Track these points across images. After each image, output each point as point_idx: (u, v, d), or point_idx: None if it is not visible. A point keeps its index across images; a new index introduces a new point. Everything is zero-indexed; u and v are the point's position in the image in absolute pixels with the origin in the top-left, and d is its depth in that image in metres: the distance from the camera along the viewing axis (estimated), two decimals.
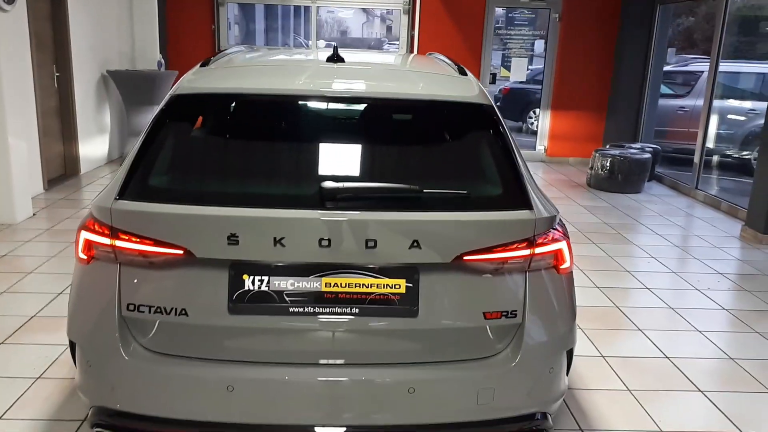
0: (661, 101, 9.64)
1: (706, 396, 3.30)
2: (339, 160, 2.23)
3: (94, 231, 2.16)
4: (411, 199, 2.12)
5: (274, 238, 2.01)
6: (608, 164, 8.04)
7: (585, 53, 9.57)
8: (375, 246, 2.03)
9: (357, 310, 2.10)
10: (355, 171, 2.21)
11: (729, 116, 9.74)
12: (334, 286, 2.09)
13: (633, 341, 3.91)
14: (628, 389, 3.34)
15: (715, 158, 9.42)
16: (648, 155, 8.18)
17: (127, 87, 8.23)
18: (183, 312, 2.09)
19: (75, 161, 7.65)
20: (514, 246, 2.14)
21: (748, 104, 9.92)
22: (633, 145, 8.57)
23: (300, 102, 2.37)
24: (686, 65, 11.17)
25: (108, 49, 8.38)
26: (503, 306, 2.17)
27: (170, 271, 2.10)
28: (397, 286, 2.10)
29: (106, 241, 2.12)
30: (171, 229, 2.05)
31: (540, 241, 2.18)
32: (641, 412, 3.13)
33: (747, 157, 9.47)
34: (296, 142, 2.32)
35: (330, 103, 2.38)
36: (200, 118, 2.36)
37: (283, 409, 2.10)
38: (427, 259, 2.07)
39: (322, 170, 2.18)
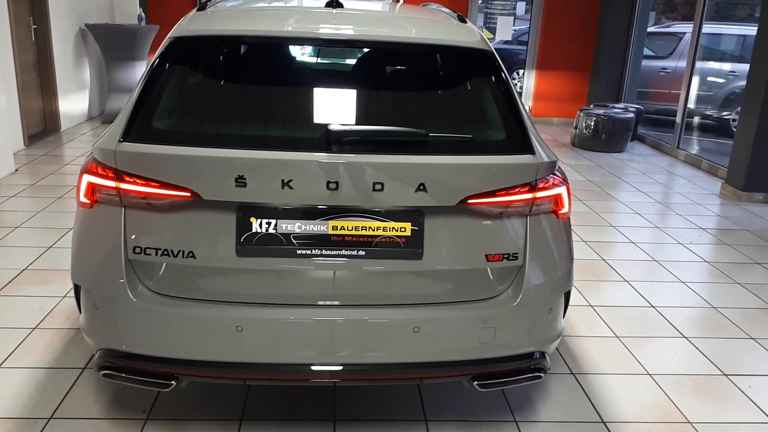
0: (643, 62, 9.68)
1: (690, 342, 3.43)
2: (345, 103, 2.23)
3: (97, 174, 2.14)
4: (417, 142, 2.14)
5: (282, 181, 2.02)
6: (592, 124, 8.10)
7: (570, 13, 9.53)
8: (382, 189, 2.06)
9: (363, 253, 2.13)
10: (362, 114, 2.22)
11: (709, 78, 9.84)
12: (340, 229, 2.11)
13: (619, 291, 4.01)
14: (616, 336, 3.44)
15: (696, 119, 9.54)
16: (631, 115, 8.26)
17: (107, 41, 8.03)
18: (190, 254, 2.10)
19: (55, 117, 7.50)
20: (517, 190, 2.18)
21: (727, 66, 10.03)
22: (616, 105, 8.63)
23: (302, 45, 2.36)
24: (668, 27, 11.21)
25: (85, 1, 8.14)
26: (505, 249, 2.22)
27: (177, 214, 2.10)
28: (402, 229, 2.13)
29: (111, 183, 2.11)
30: (178, 171, 2.04)
31: (541, 185, 2.22)
32: (629, 356, 3.24)
33: (727, 117, 9.61)
34: (301, 85, 2.32)
35: (334, 47, 2.37)
36: (201, 61, 2.33)
37: (291, 348, 2.14)
38: (433, 203, 2.10)
39: (329, 113, 2.18)
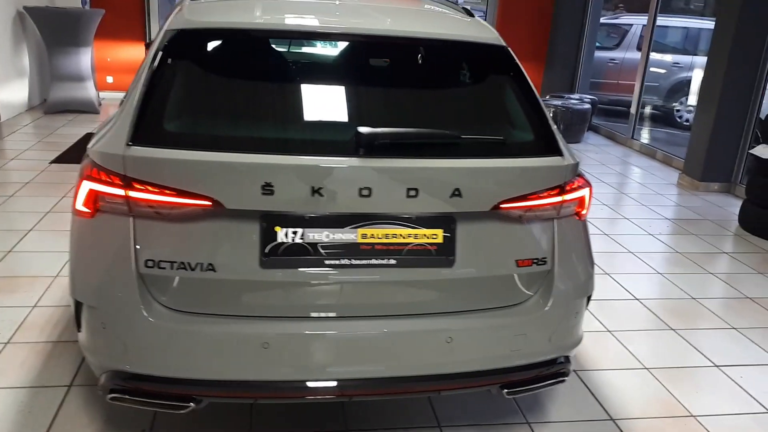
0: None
1: (678, 334, 3.50)
2: (370, 103, 2.13)
3: (100, 181, 1.96)
4: (449, 145, 2.06)
5: (312, 188, 1.90)
6: (550, 115, 8.18)
7: (524, 3, 9.61)
8: (416, 195, 1.96)
9: (394, 262, 2.03)
10: (391, 116, 2.12)
11: (653, 69, 10.15)
12: (370, 237, 2.01)
13: (603, 285, 4.06)
14: (608, 330, 3.48)
15: (645, 110, 9.82)
16: (588, 106, 8.41)
17: (49, 26, 7.52)
18: (210, 267, 1.96)
19: None
20: (547, 193, 2.13)
21: (670, 57, 10.36)
22: (572, 96, 8.78)
23: (321, 41, 2.22)
24: (617, 18, 11.48)
25: None
26: (534, 253, 2.17)
27: (194, 224, 1.95)
28: (434, 236, 2.05)
29: (118, 191, 1.94)
30: (198, 178, 1.89)
31: (569, 187, 2.19)
32: (624, 351, 3.28)
33: (672, 108, 9.95)
34: (323, 84, 2.19)
35: (355, 43, 2.24)
36: (212, 57, 2.16)
37: (321, 364, 2.03)
38: (467, 208, 2.03)
39: (356, 114, 2.07)
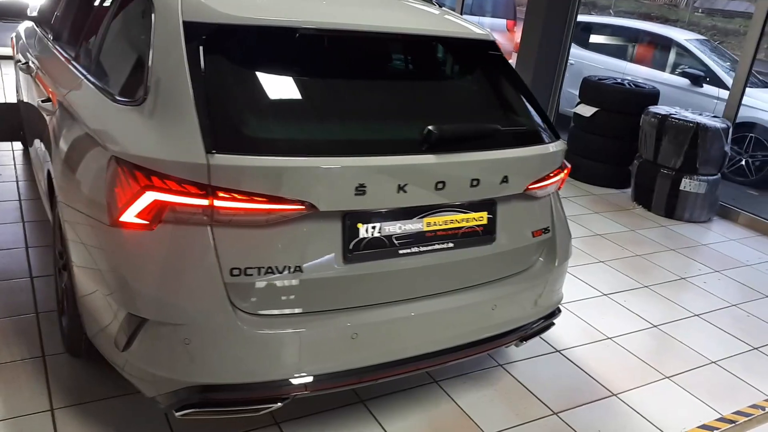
0: None
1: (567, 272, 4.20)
2: (424, 101, 2.24)
3: (170, 191, 1.83)
4: (494, 136, 2.28)
5: (399, 185, 2.01)
6: None
7: None
8: (478, 184, 2.18)
9: (452, 244, 2.24)
10: (448, 112, 2.26)
11: None
12: (433, 224, 2.18)
13: None
14: None
15: None
16: None
17: None
18: (297, 269, 1.97)
19: None
20: (556, 172, 2.49)
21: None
22: None
23: (356, 38, 2.23)
24: None
25: None
26: (542, 224, 2.54)
27: (281, 228, 1.93)
28: (480, 218, 2.29)
29: (199, 201, 1.83)
30: (295, 184, 1.87)
31: (563, 166, 2.57)
32: None
33: None
34: (379, 81, 2.24)
35: (396, 42, 2.31)
36: (267, 56, 2.07)
37: (404, 343, 2.18)
38: (510, 191, 2.30)
39: (418, 112, 2.18)
